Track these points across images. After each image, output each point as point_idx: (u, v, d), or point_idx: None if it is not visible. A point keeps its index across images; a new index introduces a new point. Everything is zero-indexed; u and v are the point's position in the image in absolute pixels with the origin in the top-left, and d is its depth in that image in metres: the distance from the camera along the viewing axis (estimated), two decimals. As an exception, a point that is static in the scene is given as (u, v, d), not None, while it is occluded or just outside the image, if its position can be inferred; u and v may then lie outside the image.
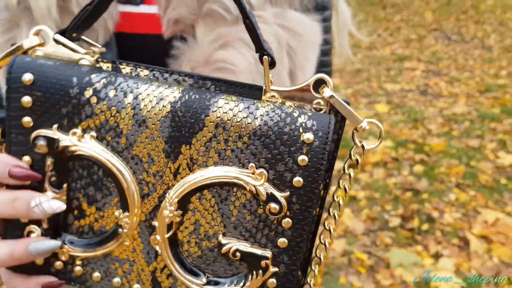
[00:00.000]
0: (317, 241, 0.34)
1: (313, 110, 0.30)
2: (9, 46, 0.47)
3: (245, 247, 0.30)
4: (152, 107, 0.30)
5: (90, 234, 0.33)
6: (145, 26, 0.47)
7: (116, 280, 0.33)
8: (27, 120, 0.31)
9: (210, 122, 0.29)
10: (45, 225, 0.32)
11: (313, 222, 0.32)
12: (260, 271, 0.30)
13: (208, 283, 0.31)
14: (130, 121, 0.30)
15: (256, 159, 0.29)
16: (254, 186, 0.29)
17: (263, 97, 0.31)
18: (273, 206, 0.29)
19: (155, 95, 0.30)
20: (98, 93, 0.30)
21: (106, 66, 0.33)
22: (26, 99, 0.30)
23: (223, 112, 0.29)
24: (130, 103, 0.30)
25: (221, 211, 0.30)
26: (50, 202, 0.31)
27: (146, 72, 0.33)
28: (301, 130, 0.29)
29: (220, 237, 0.31)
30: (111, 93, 0.30)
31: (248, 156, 0.29)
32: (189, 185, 0.30)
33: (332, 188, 0.50)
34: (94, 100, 0.30)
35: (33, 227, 0.32)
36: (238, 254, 0.30)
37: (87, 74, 0.30)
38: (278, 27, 0.46)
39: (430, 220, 1.94)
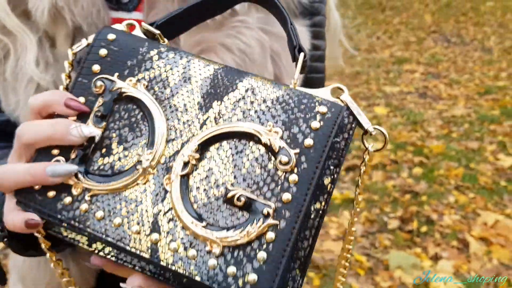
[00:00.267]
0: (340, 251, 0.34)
1: None
2: (2, 51, 0.48)
3: (250, 194, 0.32)
4: (199, 69, 0.36)
5: (108, 172, 0.35)
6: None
7: (117, 220, 0.33)
8: (96, 67, 0.36)
9: (242, 86, 0.35)
10: (72, 156, 0.35)
11: (317, 216, 0.33)
12: (261, 219, 0.31)
13: (206, 226, 0.32)
14: (179, 77, 0.36)
15: (275, 120, 0.34)
16: (269, 139, 0.33)
17: None
18: (284, 157, 0.32)
19: (204, 62, 0.36)
20: (161, 53, 0.37)
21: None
22: (103, 52, 0.37)
23: (255, 81, 0.35)
24: (183, 64, 0.36)
25: (235, 162, 0.33)
26: (89, 127, 0.35)
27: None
28: (317, 104, 0.34)
29: (229, 186, 0.33)
30: (171, 55, 0.37)
31: (268, 117, 0.34)
32: (211, 131, 0.34)
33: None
34: (156, 58, 0.37)
35: (60, 158, 0.35)
36: (242, 199, 0.32)
37: (156, 43, 0.38)
38: (261, 31, 0.47)
39: (429, 222, 1.94)
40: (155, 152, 0.34)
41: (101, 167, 0.35)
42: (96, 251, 0.35)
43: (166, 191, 0.33)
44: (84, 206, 0.34)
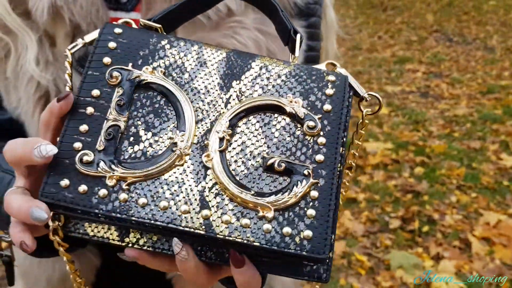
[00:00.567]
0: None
1: None
2: (3, 51, 0.48)
3: (288, 159, 0.35)
4: (212, 53, 0.38)
5: (142, 158, 0.35)
6: None
7: (163, 203, 0.33)
8: (107, 60, 0.37)
9: (256, 65, 0.38)
10: (99, 148, 0.34)
11: (339, 177, 0.36)
12: (304, 179, 0.34)
13: (254, 194, 0.34)
14: (194, 62, 0.38)
15: (292, 92, 0.37)
16: (292, 108, 0.36)
17: None
18: (310, 122, 0.36)
19: (214, 48, 0.39)
20: (172, 42, 0.38)
21: None
22: (112, 44, 0.37)
23: (266, 60, 0.39)
24: (195, 50, 0.38)
25: (265, 133, 0.36)
26: (46, 146, 0.33)
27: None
28: (325, 74, 0.38)
29: (265, 155, 0.35)
30: (182, 43, 0.38)
31: (286, 90, 0.37)
32: (237, 108, 0.36)
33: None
34: (168, 46, 0.38)
35: (86, 152, 0.34)
36: (282, 164, 0.35)
37: (164, 34, 0.39)
38: (258, 32, 0.47)
39: (431, 222, 1.93)
40: (188, 134, 0.35)
41: (133, 155, 0.34)
42: (130, 245, 0.35)
43: (206, 168, 0.34)
44: (122, 196, 0.33)
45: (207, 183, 0.34)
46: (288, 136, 0.36)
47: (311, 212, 0.34)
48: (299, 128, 0.36)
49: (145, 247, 0.35)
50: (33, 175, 0.35)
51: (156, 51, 0.37)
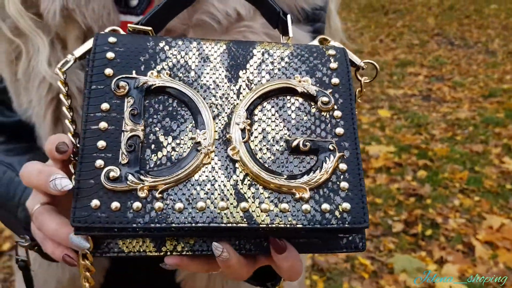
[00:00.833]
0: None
1: None
2: (14, 53, 0.48)
3: (310, 138, 0.36)
4: (212, 47, 0.38)
5: (168, 164, 0.34)
6: None
7: (200, 204, 0.33)
8: (108, 71, 0.36)
9: (258, 51, 0.38)
10: (123, 162, 0.33)
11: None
12: (331, 155, 0.35)
13: (287, 178, 0.34)
14: (197, 59, 0.37)
15: (299, 72, 0.38)
16: (303, 87, 0.37)
17: None
18: (324, 98, 0.37)
19: (212, 41, 0.38)
20: (170, 43, 0.38)
21: None
22: (110, 54, 0.36)
23: (266, 45, 0.39)
24: (195, 47, 0.38)
25: (282, 117, 0.36)
26: (62, 180, 0.33)
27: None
28: (325, 49, 0.39)
29: (287, 138, 0.36)
30: (180, 42, 0.38)
31: (292, 71, 0.38)
32: (250, 97, 0.36)
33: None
34: (167, 48, 0.37)
35: (109, 168, 0.33)
36: (307, 144, 0.35)
37: (158, 36, 0.39)
38: (266, 36, 0.48)
39: (434, 226, 1.93)
40: (209, 131, 0.35)
41: (158, 162, 0.34)
42: (168, 253, 0.34)
43: (234, 162, 0.34)
44: (157, 205, 0.32)
45: (238, 176, 0.34)
46: (305, 116, 0.36)
47: (344, 184, 0.34)
48: (313, 106, 0.37)
49: (184, 252, 0.34)
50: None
51: (157, 54, 0.37)
